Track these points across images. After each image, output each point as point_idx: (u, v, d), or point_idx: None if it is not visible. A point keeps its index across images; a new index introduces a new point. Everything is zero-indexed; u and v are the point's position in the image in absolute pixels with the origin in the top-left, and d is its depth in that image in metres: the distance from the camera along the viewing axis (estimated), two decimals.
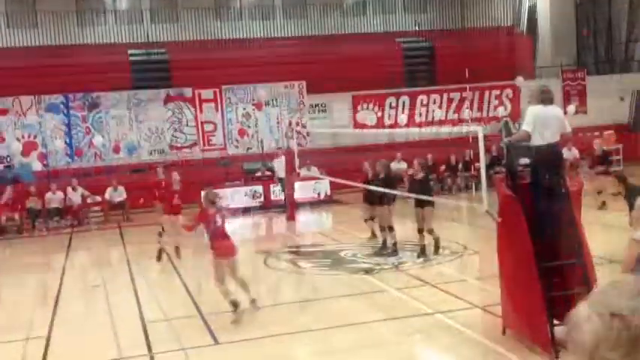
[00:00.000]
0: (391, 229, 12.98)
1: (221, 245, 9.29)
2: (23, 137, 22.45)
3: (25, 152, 22.12)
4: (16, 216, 19.35)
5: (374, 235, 14.18)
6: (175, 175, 13.99)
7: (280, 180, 20.09)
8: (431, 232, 12.39)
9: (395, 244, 12.98)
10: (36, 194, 19.79)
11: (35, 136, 22.67)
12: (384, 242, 13.19)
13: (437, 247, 12.50)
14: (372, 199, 13.55)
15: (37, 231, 19.38)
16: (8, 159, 22.31)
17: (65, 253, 15.70)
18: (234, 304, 9.01)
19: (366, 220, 14.40)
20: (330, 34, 28.47)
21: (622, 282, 1.13)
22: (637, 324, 1.05)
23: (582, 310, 1.12)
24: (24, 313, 10.86)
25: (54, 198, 19.98)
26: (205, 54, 25.22)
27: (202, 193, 9.91)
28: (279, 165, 20.18)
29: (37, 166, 22.02)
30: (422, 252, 12.44)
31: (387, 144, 23.04)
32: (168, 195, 13.69)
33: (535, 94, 7.83)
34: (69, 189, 20.23)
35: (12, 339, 9.19)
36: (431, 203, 12.15)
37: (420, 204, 12.20)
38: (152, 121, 23.45)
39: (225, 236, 9.40)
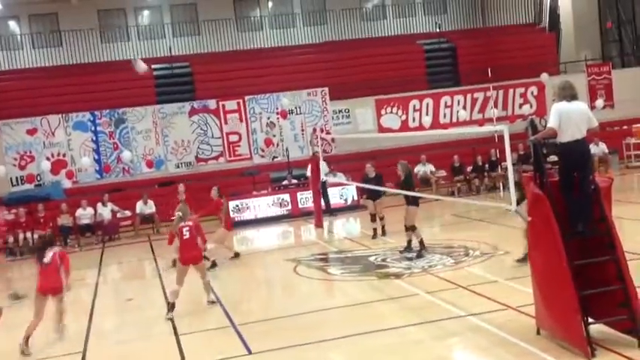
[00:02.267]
0: (414, 228, 13.16)
1: (189, 255, 10.67)
2: (52, 156, 22.80)
3: (55, 170, 22.45)
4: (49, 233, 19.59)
5: (376, 234, 15.42)
6: (180, 187, 14.42)
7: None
8: (413, 229, 13.11)
9: (421, 242, 13.08)
10: (67, 211, 20.06)
11: (64, 154, 22.99)
12: (409, 243, 13.37)
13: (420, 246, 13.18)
14: (373, 196, 15.29)
15: (69, 248, 19.62)
16: (38, 177, 22.65)
17: (97, 269, 15.88)
18: (172, 306, 10.40)
19: (372, 217, 15.43)
20: (351, 39, 28.50)
21: None
22: None
23: None
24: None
25: (84, 214, 20.23)
26: (227, 65, 25.41)
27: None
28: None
29: (67, 183, 22.32)
30: (407, 247, 13.37)
31: (412, 146, 22.99)
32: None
33: (559, 90, 7.76)
34: (99, 205, 20.48)
35: (50, 355, 9.31)
36: (415, 202, 13.07)
37: (372, 197, 15.09)
38: (178, 134, 23.66)
39: (192, 247, 10.71)
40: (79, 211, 20.24)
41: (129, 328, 10.52)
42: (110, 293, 13.59)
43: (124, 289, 13.50)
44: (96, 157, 23.17)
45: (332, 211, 19.99)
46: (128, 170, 23.31)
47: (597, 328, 7.35)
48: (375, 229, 15.57)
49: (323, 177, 19.39)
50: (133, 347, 9.33)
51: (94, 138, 23.24)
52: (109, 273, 15.81)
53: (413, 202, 13.14)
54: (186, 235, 10.68)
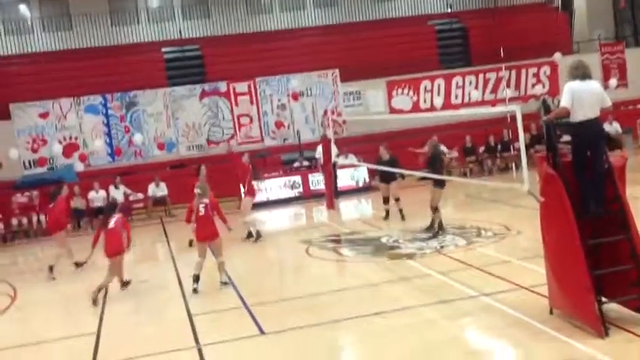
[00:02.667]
0: (436, 209, 13.31)
1: (203, 232, 10.86)
2: (64, 139, 22.89)
3: (67, 154, 22.56)
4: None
5: (388, 215, 15.54)
6: (202, 169, 14.71)
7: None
8: (435, 210, 13.40)
9: (440, 224, 13.23)
10: (79, 194, 20.17)
11: (76, 138, 23.09)
12: (432, 222, 13.48)
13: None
14: (386, 179, 15.39)
15: (83, 230, 19.76)
16: (51, 161, 22.76)
17: None
18: (196, 277, 10.80)
19: (385, 199, 15.55)
20: (361, 20, 28.33)
21: None
22: None
23: None
24: (74, 310, 11.11)
25: (97, 197, 20.34)
26: (238, 47, 25.34)
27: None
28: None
29: (79, 166, 22.43)
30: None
31: (423, 128, 22.89)
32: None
33: (571, 69, 7.70)
34: (111, 187, 20.58)
35: (64, 335, 9.41)
36: (440, 184, 13.28)
37: (386, 180, 15.25)
38: (189, 116, 23.68)
39: (207, 224, 10.80)
40: (92, 194, 20.35)
41: (143, 309, 10.61)
42: (124, 275, 13.66)
43: (137, 271, 13.57)
44: (107, 140, 23.25)
45: (338, 194, 19.94)
46: (140, 153, 23.38)
47: (610, 307, 7.33)
48: (387, 211, 15.59)
49: (333, 159, 19.42)
50: (146, 329, 9.42)
51: (106, 121, 23.31)
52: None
53: (438, 183, 13.18)
54: (202, 212, 10.82)
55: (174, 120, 23.66)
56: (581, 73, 7.58)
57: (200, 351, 8.09)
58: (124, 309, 10.78)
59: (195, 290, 10.69)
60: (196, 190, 11.05)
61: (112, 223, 11.15)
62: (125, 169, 22.49)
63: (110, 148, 23.26)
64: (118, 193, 20.50)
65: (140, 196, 20.91)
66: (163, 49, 25.78)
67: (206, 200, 10.91)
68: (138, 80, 23.62)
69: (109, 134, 23.29)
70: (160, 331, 9.17)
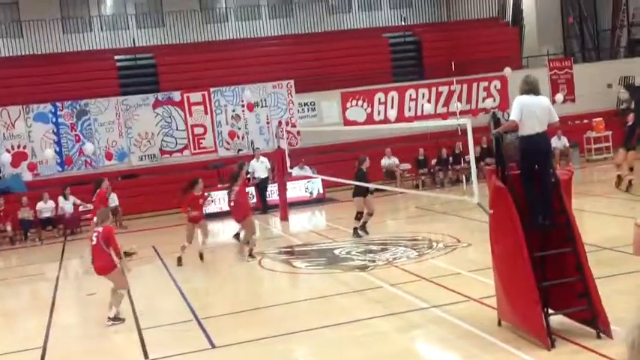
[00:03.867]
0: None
1: (96, 263, 9.97)
2: (12, 148, 22.36)
3: (15, 163, 22.02)
4: (9, 227, 19.27)
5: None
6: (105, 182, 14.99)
7: (260, 181, 20.08)
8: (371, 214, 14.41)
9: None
10: (27, 204, 19.71)
11: (24, 146, 22.57)
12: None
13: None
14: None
15: (30, 241, 19.30)
16: None
17: (59, 263, 15.65)
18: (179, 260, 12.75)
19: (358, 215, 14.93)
20: (317, 31, 28.47)
21: None
22: None
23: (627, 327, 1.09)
24: (20, 323, 10.83)
25: (45, 207, 19.90)
26: (192, 57, 25.18)
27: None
28: (259, 166, 20.19)
29: (28, 176, 21.92)
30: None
31: (377, 140, 23.09)
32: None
33: (522, 84, 7.86)
34: (60, 198, 20.14)
35: (8, 350, 9.15)
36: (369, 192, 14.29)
37: (362, 193, 14.37)
38: (142, 126, 23.39)
39: (97, 254, 9.87)
40: (40, 204, 19.90)
41: (90, 323, 10.38)
42: (71, 288, 13.39)
43: (85, 284, 13.30)
44: (57, 149, 22.78)
45: (266, 209, 19.86)
46: (90, 163, 22.98)
47: (557, 319, 7.47)
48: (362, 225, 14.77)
49: (263, 174, 19.87)
50: (94, 343, 9.22)
51: (56, 130, 22.85)
52: (70, 267, 15.59)
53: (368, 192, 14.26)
54: (94, 241, 9.77)
55: (127, 129, 23.34)
56: (531, 88, 7.74)
57: None
58: (71, 322, 10.54)
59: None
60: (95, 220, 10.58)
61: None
62: (75, 179, 22.05)
63: (60, 158, 22.80)
64: (68, 204, 20.08)
65: (90, 206, 20.48)
66: (116, 57, 25.44)
67: (99, 228, 9.78)
68: (90, 88, 23.25)
69: (58, 143, 22.83)
70: (107, 345, 9.00)
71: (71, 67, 24.08)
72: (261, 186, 20.20)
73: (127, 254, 12.95)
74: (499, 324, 7.80)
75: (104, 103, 23.19)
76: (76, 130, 22.97)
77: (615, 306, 7.25)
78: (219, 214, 20.04)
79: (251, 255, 13.48)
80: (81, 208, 20.39)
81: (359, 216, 14.46)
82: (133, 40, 26.42)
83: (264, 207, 19.95)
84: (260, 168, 20.26)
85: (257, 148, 21.68)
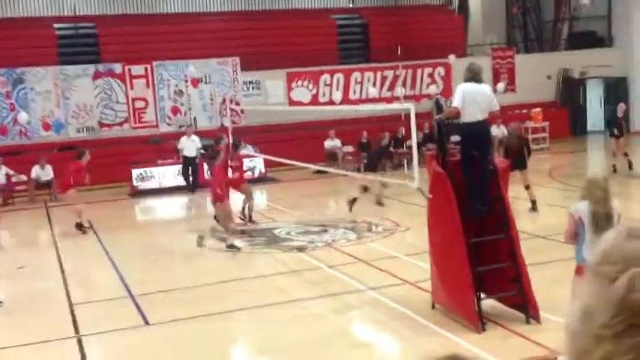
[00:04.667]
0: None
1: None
2: None
3: None
4: None
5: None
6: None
7: (186, 159, 19.55)
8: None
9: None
10: None
11: None
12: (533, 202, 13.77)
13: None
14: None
15: None
16: None
17: None
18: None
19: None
20: (265, 9, 28.16)
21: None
22: None
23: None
24: None
25: None
26: (136, 28, 24.56)
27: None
28: (189, 144, 19.70)
29: None
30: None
31: (321, 121, 23.07)
32: None
33: (465, 72, 7.94)
34: None
35: None
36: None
37: None
38: (80, 97, 22.74)
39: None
40: None
41: (20, 297, 10.09)
42: (2, 261, 12.98)
43: (16, 257, 12.93)
44: None
45: (194, 188, 19.45)
46: (25, 133, 22.25)
47: (489, 304, 7.63)
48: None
49: (192, 153, 19.33)
50: (23, 317, 8.97)
51: None
52: (1, 239, 15.09)
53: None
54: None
55: (65, 100, 22.66)
56: (473, 75, 7.83)
57: (80, 341, 7.80)
58: None
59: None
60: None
61: None
62: (9, 149, 21.33)
63: None
64: (0, 175, 19.43)
65: (24, 178, 19.90)
66: (56, 26, 24.61)
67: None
68: (27, 56, 22.42)
69: None
70: (37, 320, 8.76)
71: (8, 33, 23.16)
72: (190, 165, 19.63)
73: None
74: (433, 307, 7.92)
75: (42, 71, 22.42)
76: (11, 99, 22.16)
77: (545, 293, 7.45)
78: (160, 191, 19.76)
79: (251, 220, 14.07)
80: (14, 179, 19.79)
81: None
82: (74, 9, 25.61)
83: (193, 186, 19.46)
84: (190, 146, 19.66)
85: (189, 126, 21.16)
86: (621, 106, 19.05)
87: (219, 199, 11.96)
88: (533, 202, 13.49)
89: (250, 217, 14.41)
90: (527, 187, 13.79)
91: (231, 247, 11.81)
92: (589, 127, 27.69)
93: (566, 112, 26.80)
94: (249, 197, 14.58)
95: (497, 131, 21.86)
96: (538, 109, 25.19)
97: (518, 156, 13.37)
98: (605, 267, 1.08)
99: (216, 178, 12.34)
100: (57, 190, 15.88)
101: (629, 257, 1.06)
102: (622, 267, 1.05)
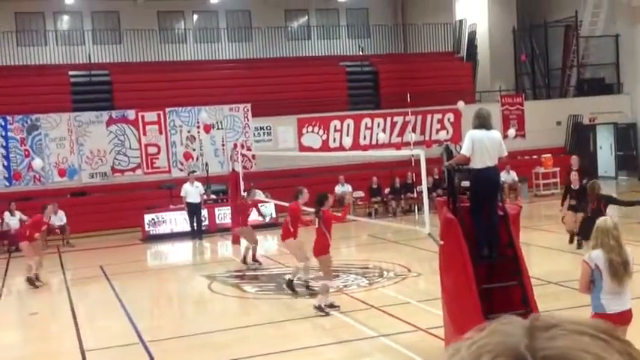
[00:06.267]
0: None
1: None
2: None
3: None
4: None
5: None
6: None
7: (189, 206, 19.46)
8: None
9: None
10: None
11: None
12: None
13: None
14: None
15: None
16: None
17: (2, 280, 15.21)
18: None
19: None
20: (275, 57, 28.62)
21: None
22: None
23: None
24: None
25: None
26: (148, 76, 25.00)
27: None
28: (193, 190, 19.66)
29: None
30: None
31: (331, 167, 23.21)
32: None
33: (474, 119, 8.02)
34: (6, 213, 19.64)
35: None
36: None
37: None
38: (94, 143, 23.03)
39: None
40: None
41: (32, 343, 10.11)
42: (14, 306, 13.03)
43: (28, 302, 12.97)
44: (5, 163, 22.25)
45: (200, 235, 19.51)
46: (39, 178, 22.49)
47: None
48: None
49: (195, 200, 19.33)
50: None
51: (5, 144, 22.33)
52: (13, 285, 15.15)
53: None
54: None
55: (78, 146, 22.95)
56: (482, 122, 7.89)
57: None
58: (11, 341, 10.24)
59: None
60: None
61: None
62: (23, 195, 21.54)
63: (8, 172, 22.27)
64: (13, 220, 19.58)
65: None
66: (70, 73, 25.09)
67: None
68: (42, 103, 22.82)
69: (7, 157, 22.30)
70: None
71: (24, 80, 23.63)
72: (194, 211, 19.58)
73: None
74: None
75: (56, 118, 22.78)
76: (25, 145, 22.49)
77: None
78: (171, 235, 19.83)
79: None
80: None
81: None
82: (89, 56, 26.13)
83: (198, 233, 19.47)
84: (194, 192, 19.63)
85: (192, 172, 21.20)
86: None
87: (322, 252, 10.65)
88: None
89: (254, 256, 14.60)
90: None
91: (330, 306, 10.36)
92: (600, 173, 27.69)
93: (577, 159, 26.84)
94: (252, 241, 14.72)
95: (507, 177, 21.93)
96: (548, 155, 25.26)
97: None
98: None
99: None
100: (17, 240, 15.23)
101: None
102: None
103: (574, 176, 13.47)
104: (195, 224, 19.52)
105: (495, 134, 7.99)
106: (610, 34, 27.73)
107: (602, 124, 27.43)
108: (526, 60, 30.07)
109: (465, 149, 7.76)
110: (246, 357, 8.52)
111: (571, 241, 13.60)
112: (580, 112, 27.33)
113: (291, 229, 11.81)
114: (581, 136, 27.49)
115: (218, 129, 24.32)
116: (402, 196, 22.38)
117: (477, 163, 7.71)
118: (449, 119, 26.27)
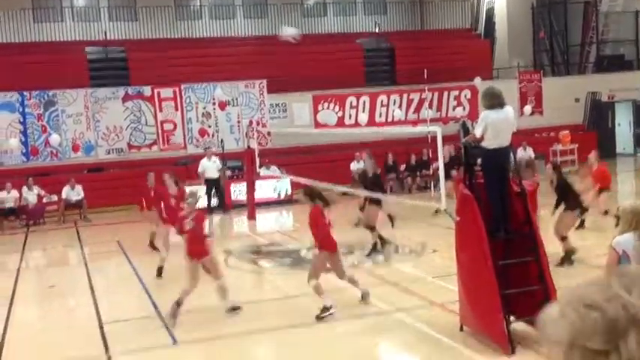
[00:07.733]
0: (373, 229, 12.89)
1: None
2: None
3: None
4: None
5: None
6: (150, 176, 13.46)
7: (208, 182, 19.58)
8: (372, 229, 12.74)
9: (375, 244, 12.90)
10: None
11: None
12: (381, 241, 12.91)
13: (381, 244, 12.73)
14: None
15: None
16: None
17: (20, 254, 15.40)
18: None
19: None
20: None
21: (591, 280, 1.13)
22: (612, 311, 1.05)
23: (554, 308, 1.12)
24: None
25: (9, 197, 19.58)
26: (164, 52, 24.97)
27: None
28: (210, 165, 19.82)
29: None
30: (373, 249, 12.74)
31: (347, 143, 23.15)
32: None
33: (485, 99, 7.85)
34: (24, 188, 19.85)
35: None
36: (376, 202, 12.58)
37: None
38: (110, 119, 23.12)
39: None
40: (2, 194, 19.57)
41: (50, 316, 10.25)
42: (32, 280, 13.20)
43: (47, 276, 13.14)
44: (23, 139, 22.41)
45: (225, 209, 19.64)
46: (56, 154, 22.65)
47: (519, 326, 7.58)
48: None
49: (214, 175, 19.37)
50: (54, 336, 9.10)
51: (22, 119, 22.48)
52: (32, 259, 15.36)
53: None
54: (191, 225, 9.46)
55: (95, 122, 23.05)
56: (496, 102, 7.76)
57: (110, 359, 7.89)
58: (31, 314, 10.39)
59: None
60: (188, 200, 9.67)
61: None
62: (41, 170, 21.73)
63: (25, 148, 22.43)
64: (31, 195, 19.79)
65: (54, 198, 20.24)
66: (87, 49, 25.14)
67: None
68: (58, 79, 22.89)
69: (24, 133, 22.46)
70: (67, 338, 8.89)
71: (40, 57, 23.70)
72: (214, 186, 19.70)
73: None
74: (461, 329, 7.89)
75: (73, 94, 22.87)
76: (42, 121, 22.62)
77: None
78: None
79: None
80: (45, 200, 20.12)
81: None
82: (105, 33, 26.14)
83: (222, 206, 19.58)
84: (212, 167, 19.81)
85: (208, 147, 21.34)
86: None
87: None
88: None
89: None
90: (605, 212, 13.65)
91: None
92: (618, 150, 27.46)
93: (595, 135, 26.59)
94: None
95: (524, 154, 21.78)
96: (566, 132, 25.05)
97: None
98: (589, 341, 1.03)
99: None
100: None
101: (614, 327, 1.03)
102: (609, 337, 1.03)
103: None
104: (215, 199, 19.61)
105: (509, 112, 7.84)
106: (630, 10, 27.31)
107: (620, 101, 27.13)
108: (545, 37, 29.71)
109: (478, 132, 7.68)
110: (262, 330, 8.59)
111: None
112: (599, 89, 27.03)
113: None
114: (599, 113, 27.22)
115: (233, 106, 24.32)
116: (418, 173, 22.32)
117: (491, 143, 7.64)
118: (465, 96, 26.07)
